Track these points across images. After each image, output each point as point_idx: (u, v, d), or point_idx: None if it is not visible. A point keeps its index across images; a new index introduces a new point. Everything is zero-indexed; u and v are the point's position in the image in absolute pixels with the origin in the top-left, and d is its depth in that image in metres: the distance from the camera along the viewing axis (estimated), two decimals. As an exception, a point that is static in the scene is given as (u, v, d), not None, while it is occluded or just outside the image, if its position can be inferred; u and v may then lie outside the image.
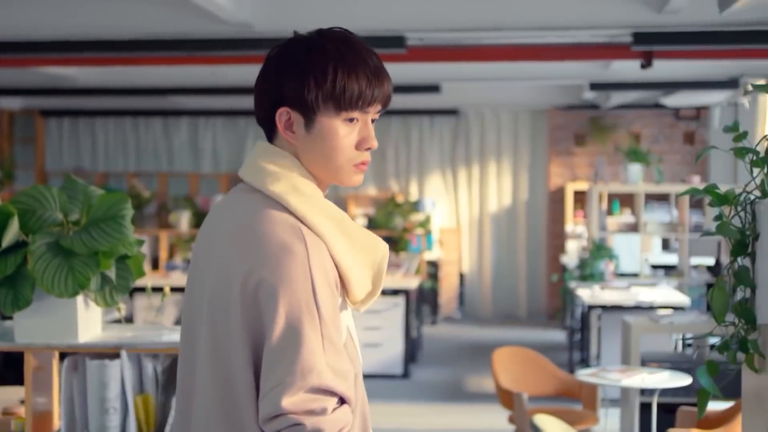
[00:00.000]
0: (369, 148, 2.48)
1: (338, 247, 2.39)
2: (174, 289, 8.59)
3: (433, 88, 12.83)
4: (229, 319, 2.33)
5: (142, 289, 10.14)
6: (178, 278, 11.49)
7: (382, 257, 2.48)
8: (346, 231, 2.43)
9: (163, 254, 12.54)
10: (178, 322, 10.59)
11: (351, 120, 2.43)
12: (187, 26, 8.43)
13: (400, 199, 15.35)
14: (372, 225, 14.93)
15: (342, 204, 15.77)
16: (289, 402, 2.22)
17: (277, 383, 2.24)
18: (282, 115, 2.44)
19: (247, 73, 11.94)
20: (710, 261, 12.63)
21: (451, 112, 16.70)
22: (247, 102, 15.46)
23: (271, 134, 2.51)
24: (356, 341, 2.49)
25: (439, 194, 16.82)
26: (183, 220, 13.15)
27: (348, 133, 2.44)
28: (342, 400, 2.30)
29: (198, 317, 2.43)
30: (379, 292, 2.50)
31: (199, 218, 13.13)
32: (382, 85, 2.45)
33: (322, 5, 8.05)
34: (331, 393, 2.26)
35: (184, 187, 15.02)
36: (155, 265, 12.68)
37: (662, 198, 13.21)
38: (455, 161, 16.90)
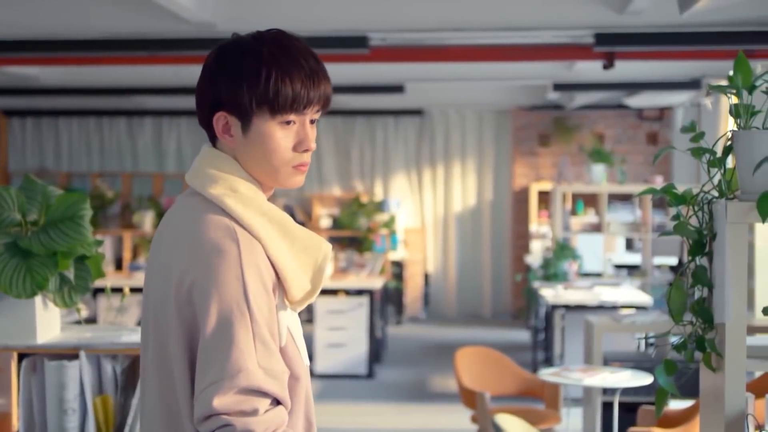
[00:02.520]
0: (307, 150, 2.49)
1: (275, 248, 2.41)
2: (135, 290, 8.59)
3: (397, 89, 12.84)
4: (167, 320, 2.38)
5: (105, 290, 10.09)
6: (141, 279, 11.44)
7: (323, 257, 2.50)
8: (285, 232, 2.45)
9: (127, 255, 12.48)
10: (140, 323, 10.55)
11: (288, 122, 2.45)
12: (149, 26, 8.41)
13: (364, 199, 15.36)
14: (337, 225, 14.94)
15: (307, 204, 15.75)
16: (219, 402, 2.24)
17: (209, 383, 2.26)
18: (219, 119, 2.47)
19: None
20: (673, 261, 12.70)
21: (416, 112, 16.72)
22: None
23: (213, 137, 2.54)
24: (299, 342, 2.50)
25: (404, 194, 16.83)
26: (147, 220, 13.09)
27: (284, 136, 2.46)
28: (277, 401, 2.32)
29: (147, 320, 2.49)
30: (318, 292, 2.52)
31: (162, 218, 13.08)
32: (318, 86, 2.46)
33: (284, 5, 8.04)
34: (262, 394, 2.28)
35: (148, 187, 14.94)
36: (119, 265, 12.62)
37: (626, 198, 13.28)
38: (420, 161, 16.92)
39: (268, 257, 2.39)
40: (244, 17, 8.24)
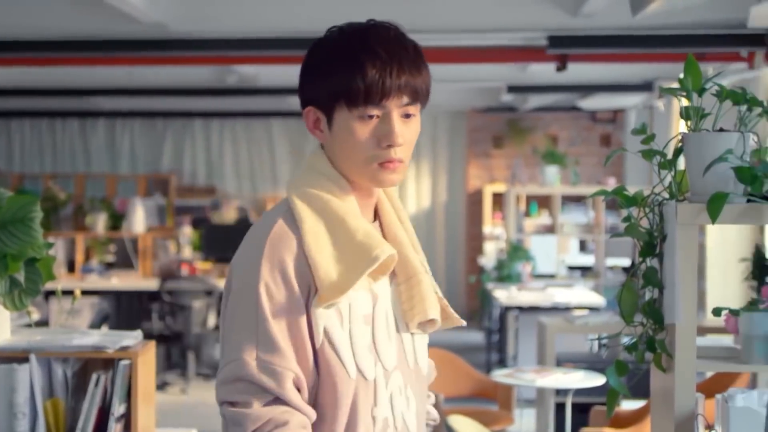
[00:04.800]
0: (390, 146, 2.35)
1: (314, 243, 2.31)
2: (87, 292, 8.50)
3: (350, 90, 12.81)
4: None
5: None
6: (94, 281, 11.37)
7: (372, 262, 2.31)
8: (338, 228, 2.34)
9: (79, 257, 12.39)
10: (93, 325, 10.49)
11: (369, 117, 2.34)
12: (102, 27, 8.36)
13: (318, 200, 15.30)
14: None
15: (261, 205, 15.73)
16: (220, 390, 2.30)
17: (218, 369, 2.31)
18: (309, 114, 2.43)
19: (164, 73, 11.87)
20: (626, 262, 12.78)
21: (371, 114, 16.71)
22: (165, 103, 15.39)
23: None
24: (342, 348, 2.33)
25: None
26: (99, 222, 13.00)
27: (365, 131, 2.34)
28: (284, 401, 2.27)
29: None
30: (344, 294, 2.30)
31: (115, 220, 13.00)
32: (399, 76, 2.33)
33: (236, 6, 8.01)
34: (260, 388, 2.25)
35: (101, 188, 14.87)
36: (71, 267, 12.53)
37: (579, 200, 13.35)
38: (373, 162, 16.91)
39: (305, 251, 2.31)
40: (196, 18, 8.22)
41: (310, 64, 2.40)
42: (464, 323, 2.63)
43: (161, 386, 11.05)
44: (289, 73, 11.78)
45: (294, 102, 14.63)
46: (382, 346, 2.40)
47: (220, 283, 11.66)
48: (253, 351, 2.26)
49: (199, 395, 10.83)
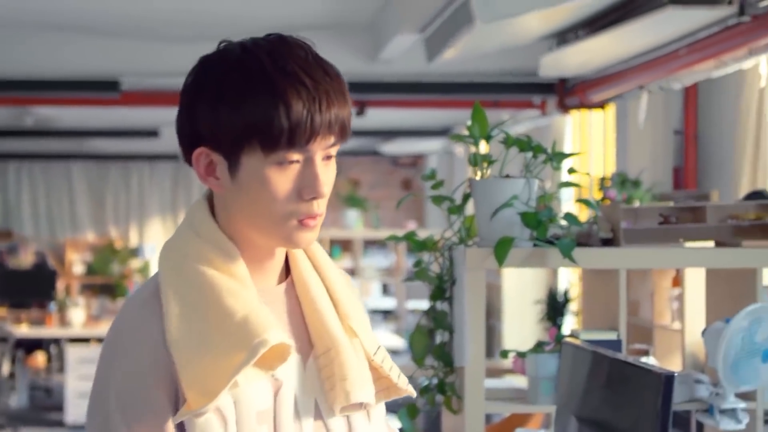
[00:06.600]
0: (314, 198, 1.83)
1: (177, 335, 1.80)
2: None
3: (151, 133, 12.71)
4: None
5: None
6: None
7: (253, 351, 1.77)
8: (207, 313, 1.81)
9: None
10: None
11: (290, 162, 1.81)
12: None
13: (119, 245, 15.10)
14: (90, 271, 14.62)
15: (59, 249, 15.37)
16: None
17: None
18: (200, 157, 1.85)
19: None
20: (426, 305, 12.93)
21: (172, 157, 16.55)
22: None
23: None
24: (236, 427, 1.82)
25: (160, 240, 16.60)
26: None
27: (284, 180, 1.81)
28: None
29: None
30: (215, 399, 1.77)
31: None
32: (328, 109, 1.80)
33: (34, 46, 7.87)
34: None
35: None
36: None
37: (381, 243, 13.48)
38: (176, 207, 16.74)
39: (165, 338, 1.80)
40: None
41: (208, 90, 1.83)
42: (414, 394, 2.10)
43: (-48, 437, 10.67)
44: (87, 115, 11.63)
45: (95, 145, 14.44)
46: None
47: (16, 330, 11.38)
48: None
49: (-8, 446, 10.50)
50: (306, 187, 1.82)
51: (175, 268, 1.86)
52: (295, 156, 1.80)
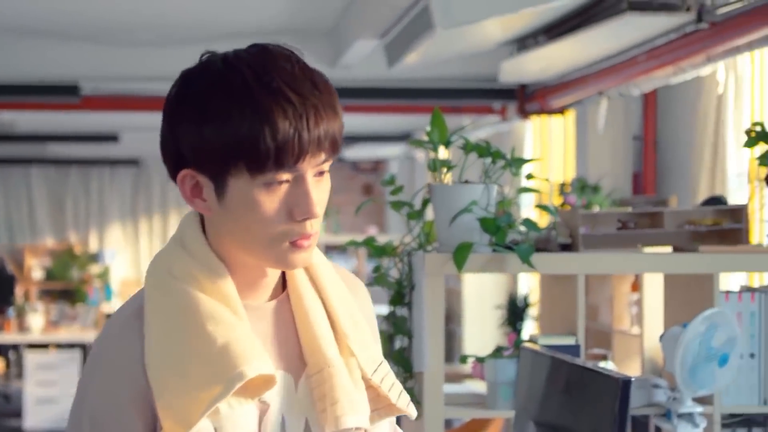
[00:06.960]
0: (306, 218, 1.74)
1: (157, 357, 1.74)
2: None
3: (111, 138, 12.65)
4: None
5: None
6: None
7: (224, 389, 1.70)
8: (189, 336, 1.74)
9: None
10: None
11: (279, 182, 1.72)
12: None
13: (78, 250, 15.01)
14: (49, 277, 14.53)
15: (18, 254, 15.26)
16: None
17: None
18: (185, 179, 1.76)
19: None
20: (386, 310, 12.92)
21: (132, 162, 16.49)
22: None
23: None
24: None
25: (120, 245, 16.54)
26: None
27: (273, 202, 1.72)
28: None
29: None
30: (192, 427, 1.70)
31: None
32: (317, 126, 1.69)
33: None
34: None
35: None
36: None
37: (341, 249, 13.46)
38: (136, 212, 16.67)
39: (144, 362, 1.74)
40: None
41: (190, 109, 1.74)
42: (414, 414, 1.99)
43: None
44: (46, 120, 11.56)
45: (54, 149, 14.36)
46: None
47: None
48: None
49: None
50: (297, 208, 1.72)
51: (159, 286, 1.78)
52: (285, 176, 1.71)
